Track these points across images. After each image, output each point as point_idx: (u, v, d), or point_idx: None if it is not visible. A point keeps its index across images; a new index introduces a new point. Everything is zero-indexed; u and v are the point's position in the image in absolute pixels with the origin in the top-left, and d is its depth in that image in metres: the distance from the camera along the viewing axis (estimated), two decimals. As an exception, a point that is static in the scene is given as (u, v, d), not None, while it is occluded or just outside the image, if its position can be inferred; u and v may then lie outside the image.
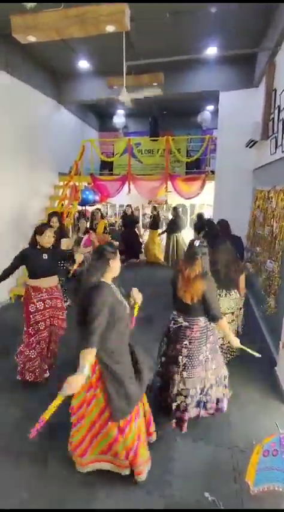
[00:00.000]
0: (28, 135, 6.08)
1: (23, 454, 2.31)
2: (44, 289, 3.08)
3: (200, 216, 6.59)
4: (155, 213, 8.14)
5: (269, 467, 1.78)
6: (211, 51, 5.60)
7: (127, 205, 8.04)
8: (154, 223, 8.14)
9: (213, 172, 6.93)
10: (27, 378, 3.04)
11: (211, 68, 6.29)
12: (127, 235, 7.77)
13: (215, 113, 7.82)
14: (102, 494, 2.01)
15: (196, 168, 8.80)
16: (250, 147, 5.31)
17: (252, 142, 5.08)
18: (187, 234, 8.07)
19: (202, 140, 8.64)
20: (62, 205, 6.66)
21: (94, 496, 2.00)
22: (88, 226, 5.84)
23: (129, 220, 7.90)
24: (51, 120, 7.16)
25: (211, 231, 4.69)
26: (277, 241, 3.61)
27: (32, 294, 3.05)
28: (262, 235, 4.47)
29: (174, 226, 7.79)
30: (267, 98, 4.49)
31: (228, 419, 2.65)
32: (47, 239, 3.02)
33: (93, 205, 8.67)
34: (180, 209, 8.97)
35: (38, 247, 3.06)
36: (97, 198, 7.92)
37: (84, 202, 7.47)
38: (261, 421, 2.63)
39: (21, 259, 3.08)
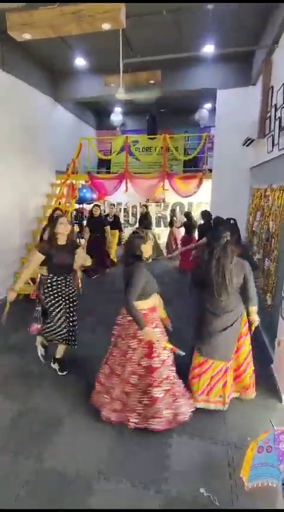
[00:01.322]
0: (25, 133, 6.06)
1: (20, 451, 2.32)
2: (156, 308, 2.61)
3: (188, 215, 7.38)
4: (114, 211, 8.03)
5: (264, 463, 1.80)
6: (209, 49, 5.58)
7: (95, 205, 6.56)
8: (115, 224, 7.88)
9: (210, 170, 6.94)
10: None
11: (208, 65, 6.28)
12: (91, 243, 6.31)
13: (212, 111, 7.83)
14: (98, 489, 2.03)
15: (194, 166, 8.81)
16: (247, 145, 5.32)
17: (249, 141, 5.09)
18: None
19: (199, 138, 8.66)
20: (59, 203, 6.65)
21: (91, 490, 2.02)
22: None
23: (95, 223, 6.42)
24: (48, 118, 7.13)
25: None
26: (273, 240, 3.63)
27: (152, 318, 2.52)
28: (258, 234, 4.48)
29: (146, 222, 7.98)
30: (264, 96, 4.49)
31: (224, 416, 2.67)
32: (150, 248, 2.54)
33: (90, 203, 8.68)
34: (150, 206, 9.43)
35: (143, 259, 2.51)
36: (94, 196, 7.91)
37: (81, 201, 7.47)
38: (257, 418, 2.65)
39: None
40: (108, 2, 3.17)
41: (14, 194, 5.79)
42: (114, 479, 2.10)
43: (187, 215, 7.23)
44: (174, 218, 8.33)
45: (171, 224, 8.42)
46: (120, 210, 10.69)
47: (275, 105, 3.95)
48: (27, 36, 3.68)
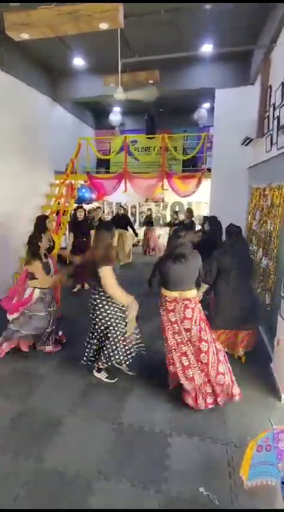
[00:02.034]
0: (24, 133, 6.05)
1: (20, 451, 2.32)
2: None
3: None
4: (100, 215, 7.23)
5: (263, 462, 1.80)
6: (207, 48, 5.59)
7: (79, 207, 5.95)
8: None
9: (209, 170, 6.94)
10: None
11: (207, 65, 6.28)
12: (74, 250, 5.56)
13: (211, 110, 7.83)
14: (98, 489, 2.03)
15: (193, 166, 8.81)
16: (246, 144, 5.31)
17: (248, 140, 5.09)
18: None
19: (198, 138, 8.67)
20: (58, 203, 6.64)
21: (91, 490, 2.02)
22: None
23: (80, 228, 5.80)
24: (46, 118, 7.13)
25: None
26: (272, 239, 3.63)
27: None
28: (257, 233, 4.49)
29: (120, 223, 7.74)
30: (262, 95, 4.49)
31: (223, 416, 2.67)
32: None
33: (89, 203, 8.67)
34: (149, 206, 9.75)
35: None
36: (93, 196, 7.91)
37: (80, 201, 7.46)
38: (256, 417, 2.65)
39: None
40: (106, 2, 3.17)
41: (13, 194, 5.79)
42: (114, 479, 2.11)
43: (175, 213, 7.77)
44: (153, 216, 8.60)
45: (151, 223, 8.56)
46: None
47: (274, 104, 3.95)
48: (25, 36, 3.68)
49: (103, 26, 3.32)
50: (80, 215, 5.85)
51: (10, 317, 3.50)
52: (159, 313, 2.83)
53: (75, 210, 5.98)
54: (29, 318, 3.46)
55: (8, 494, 2.00)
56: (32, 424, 2.59)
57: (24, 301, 3.44)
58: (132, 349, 3.06)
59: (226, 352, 3.02)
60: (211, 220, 4.79)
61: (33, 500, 1.97)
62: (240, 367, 3.30)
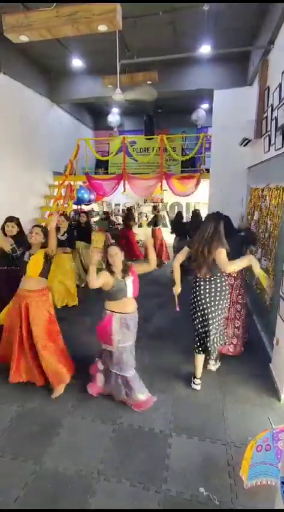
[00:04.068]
0: (22, 135, 6.06)
1: (19, 452, 2.32)
2: None
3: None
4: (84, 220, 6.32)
5: (263, 461, 1.81)
6: (205, 49, 5.61)
7: (75, 211, 6.04)
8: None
9: (207, 170, 6.96)
10: None
11: (205, 66, 6.31)
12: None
13: (210, 111, 7.85)
14: (98, 490, 2.03)
15: (191, 166, 8.83)
16: (244, 145, 5.33)
17: (246, 141, 5.11)
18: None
19: (197, 138, 8.70)
20: (57, 204, 6.65)
21: (90, 490, 2.02)
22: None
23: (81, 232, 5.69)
24: (45, 119, 7.14)
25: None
26: (270, 239, 3.64)
27: None
28: (256, 233, 4.49)
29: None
30: (260, 97, 4.51)
31: (223, 415, 2.68)
32: None
33: (88, 204, 8.66)
34: (148, 207, 9.46)
35: None
36: (92, 197, 7.91)
37: (79, 201, 7.46)
38: (256, 417, 2.66)
39: None
40: (104, 2, 3.18)
41: (12, 195, 5.79)
42: (114, 480, 2.11)
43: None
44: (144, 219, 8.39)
45: (141, 225, 8.38)
46: (118, 211, 10.78)
47: (272, 105, 3.97)
48: (24, 38, 3.69)
49: (102, 28, 3.34)
50: (82, 219, 5.85)
51: None
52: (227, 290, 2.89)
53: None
54: None
55: (8, 495, 2.00)
56: (31, 426, 2.58)
57: None
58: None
59: None
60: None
61: (33, 501, 1.97)
62: (240, 366, 3.31)
